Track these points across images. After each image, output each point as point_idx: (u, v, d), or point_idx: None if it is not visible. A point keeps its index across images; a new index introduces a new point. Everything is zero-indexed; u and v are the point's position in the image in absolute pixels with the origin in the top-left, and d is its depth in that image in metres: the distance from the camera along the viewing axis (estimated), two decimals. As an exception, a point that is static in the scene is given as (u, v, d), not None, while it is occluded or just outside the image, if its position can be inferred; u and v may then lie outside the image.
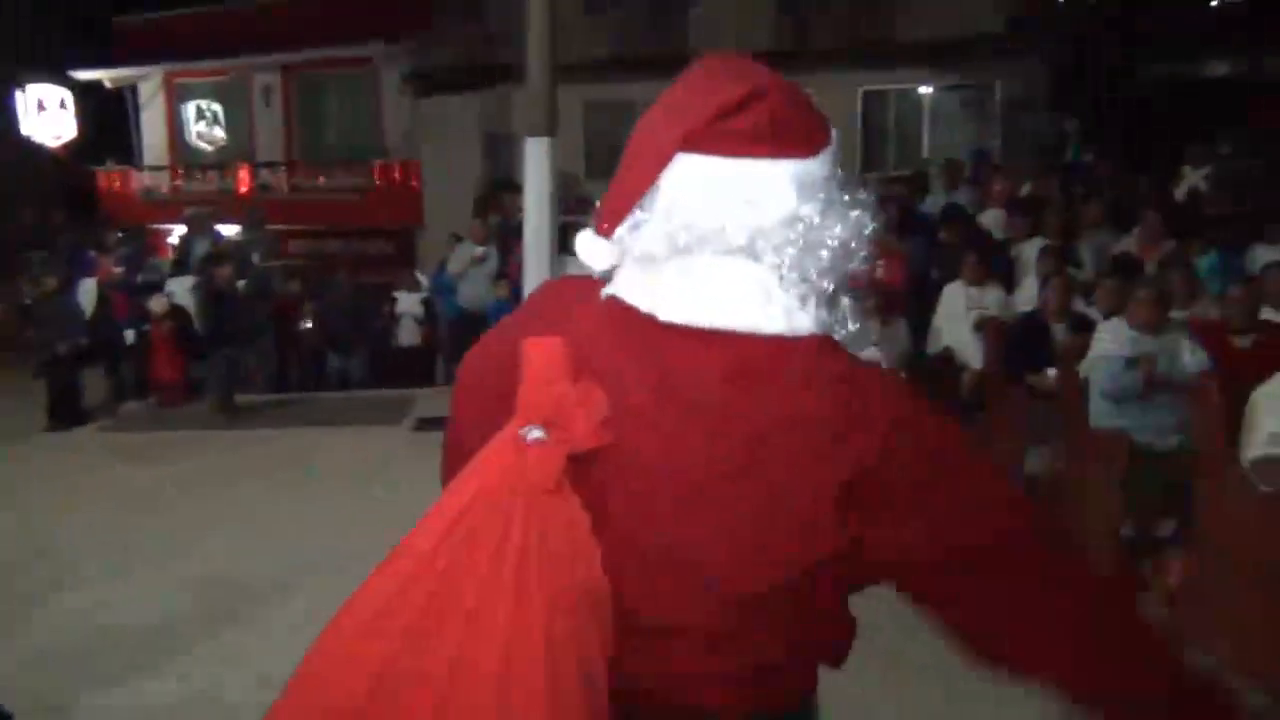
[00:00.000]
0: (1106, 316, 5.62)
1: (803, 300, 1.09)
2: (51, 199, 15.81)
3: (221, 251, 10.26)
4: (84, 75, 19.85)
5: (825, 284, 1.09)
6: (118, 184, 20.21)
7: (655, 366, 1.09)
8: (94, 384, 9.94)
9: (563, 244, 8.57)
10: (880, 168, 15.71)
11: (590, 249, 1.18)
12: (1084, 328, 5.80)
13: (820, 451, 1.05)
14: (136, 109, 20.85)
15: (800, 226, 1.08)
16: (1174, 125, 15.47)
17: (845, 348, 1.12)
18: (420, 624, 1.05)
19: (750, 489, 1.06)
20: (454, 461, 1.24)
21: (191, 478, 7.09)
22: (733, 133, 1.09)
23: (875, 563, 1.10)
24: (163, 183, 19.83)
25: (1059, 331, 5.93)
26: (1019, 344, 6.00)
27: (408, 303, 11.18)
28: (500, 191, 12.12)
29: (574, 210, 12.83)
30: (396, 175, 18.48)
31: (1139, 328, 4.72)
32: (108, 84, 20.50)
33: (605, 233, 1.16)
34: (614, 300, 1.15)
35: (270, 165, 19.51)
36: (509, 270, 9.17)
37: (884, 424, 1.06)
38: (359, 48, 18.17)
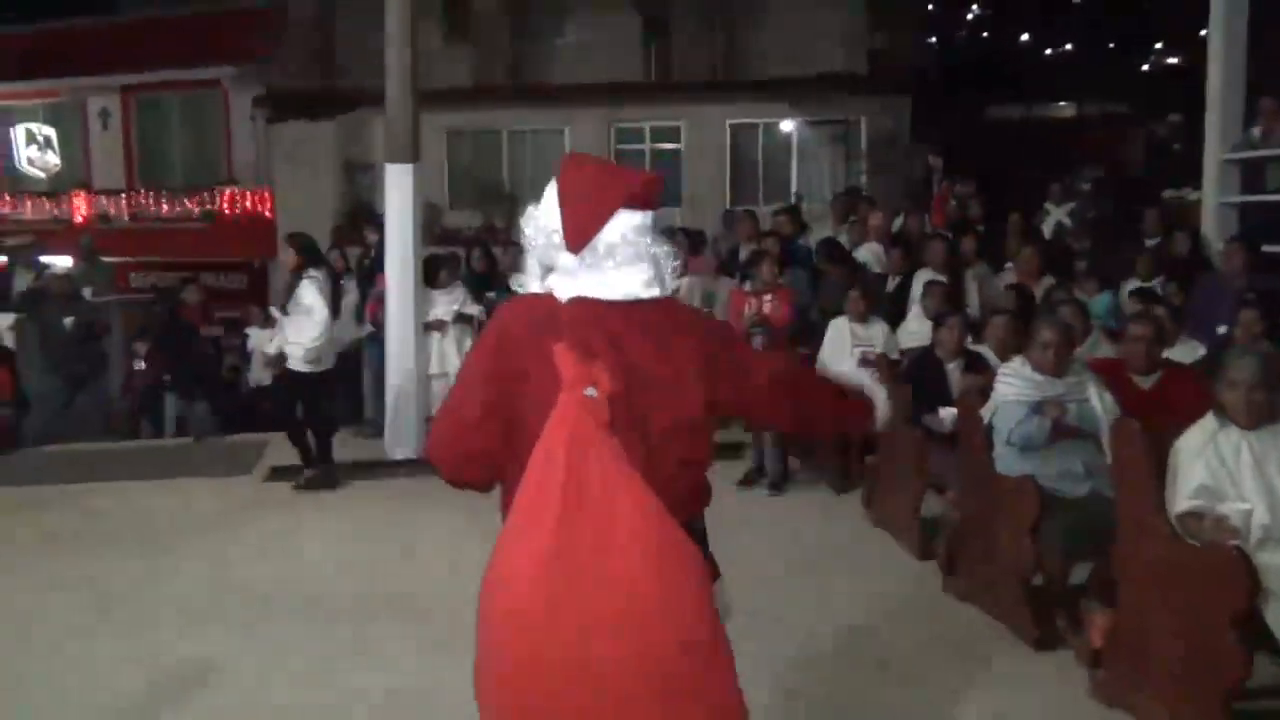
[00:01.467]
0: (1000, 355, 5.46)
1: (660, 280, 2.13)
2: None
3: (46, 286, 9.35)
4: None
5: (667, 272, 2.14)
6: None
7: (611, 325, 2.05)
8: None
9: (428, 277, 8.05)
10: (749, 200, 15.67)
11: (565, 262, 2.10)
12: (978, 366, 5.63)
13: (689, 347, 2.11)
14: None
15: (658, 244, 2.14)
16: (1025, 162, 15.98)
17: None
18: (571, 516, 1.89)
19: (670, 370, 2.07)
20: (467, 407, 2.12)
21: None
22: (645, 198, 2.14)
23: (724, 403, 2.18)
24: (-15, 210, 18.35)
25: (953, 370, 5.75)
26: (913, 383, 5.78)
27: (259, 340, 10.43)
28: (360, 222, 11.48)
29: (439, 241, 12.29)
30: (247, 204, 17.51)
31: (1043, 370, 4.52)
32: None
33: (575, 252, 2.09)
34: (578, 299, 2.07)
35: (109, 192, 18.26)
36: (369, 305, 8.57)
37: (702, 332, 2.20)
38: (204, 70, 17.21)
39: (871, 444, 6.15)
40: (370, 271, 9.05)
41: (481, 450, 2.08)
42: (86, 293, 10.11)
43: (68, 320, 9.14)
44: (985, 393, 4.81)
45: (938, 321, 6.08)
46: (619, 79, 16.43)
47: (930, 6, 22.26)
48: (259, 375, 10.27)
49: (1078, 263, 8.33)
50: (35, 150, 18.98)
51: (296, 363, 7.05)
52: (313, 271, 7.05)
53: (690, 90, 16.32)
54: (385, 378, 7.94)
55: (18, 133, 18.80)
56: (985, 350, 5.80)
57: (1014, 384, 4.54)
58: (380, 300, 8.14)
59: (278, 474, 7.73)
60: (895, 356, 6.62)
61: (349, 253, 9.46)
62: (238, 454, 8.37)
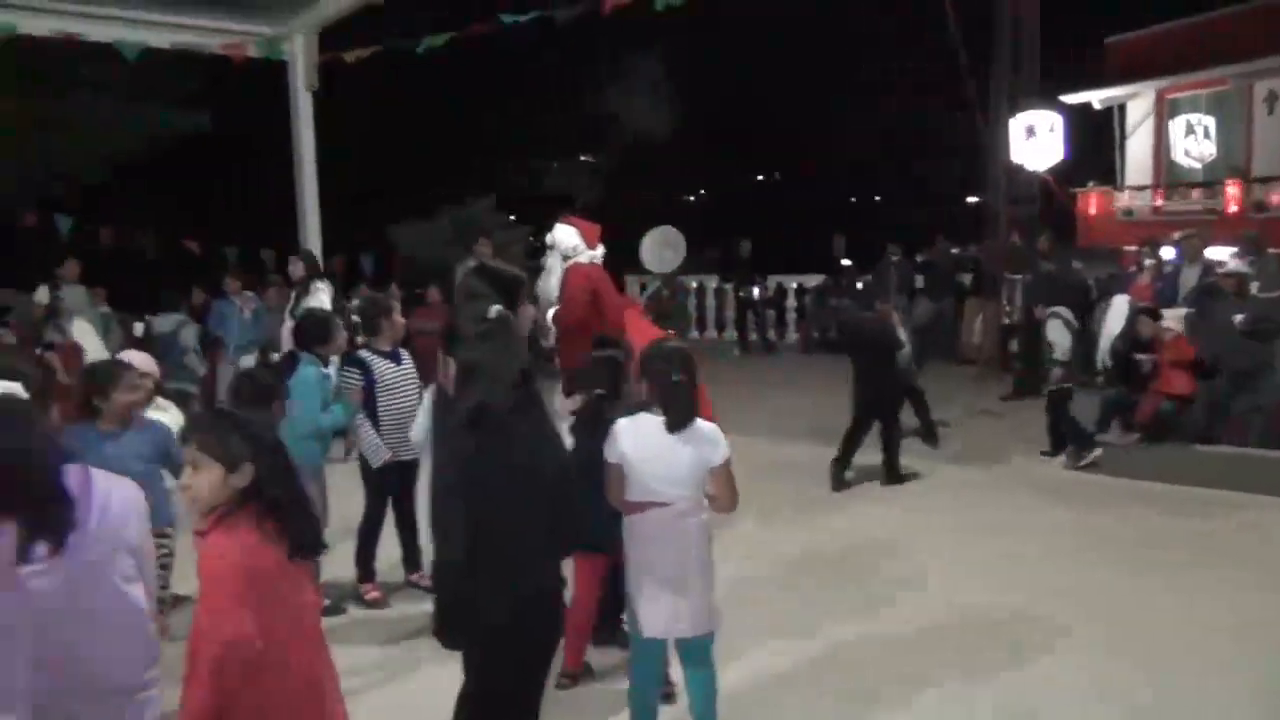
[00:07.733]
0: None
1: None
2: (1035, 223, 16.11)
3: (1215, 283, 9.19)
4: (1073, 98, 20.01)
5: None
6: (1096, 205, 20.03)
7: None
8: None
9: None
10: None
11: (591, 252, 6.38)
12: None
13: None
14: (1122, 129, 20.43)
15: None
16: None
17: None
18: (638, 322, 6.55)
19: None
20: None
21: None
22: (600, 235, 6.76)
23: None
24: (1143, 203, 19.06)
25: None
26: None
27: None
28: None
29: None
30: None
31: None
32: (1096, 105, 20.42)
33: (592, 248, 6.36)
34: (593, 264, 6.40)
35: (1266, 180, 17.42)
36: None
37: None
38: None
39: None
40: None
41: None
42: (1253, 288, 9.65)
43: (1236, 318, 8.82)
44: None
45: None
46: None
47: None
48: None
49: None
50: (1192, 141, 19.04)
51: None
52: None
53: None
54: None
55: (1177, 125, 19.07)
56: None
57: None
58: None
59: None
60: None
61: None
62: None
